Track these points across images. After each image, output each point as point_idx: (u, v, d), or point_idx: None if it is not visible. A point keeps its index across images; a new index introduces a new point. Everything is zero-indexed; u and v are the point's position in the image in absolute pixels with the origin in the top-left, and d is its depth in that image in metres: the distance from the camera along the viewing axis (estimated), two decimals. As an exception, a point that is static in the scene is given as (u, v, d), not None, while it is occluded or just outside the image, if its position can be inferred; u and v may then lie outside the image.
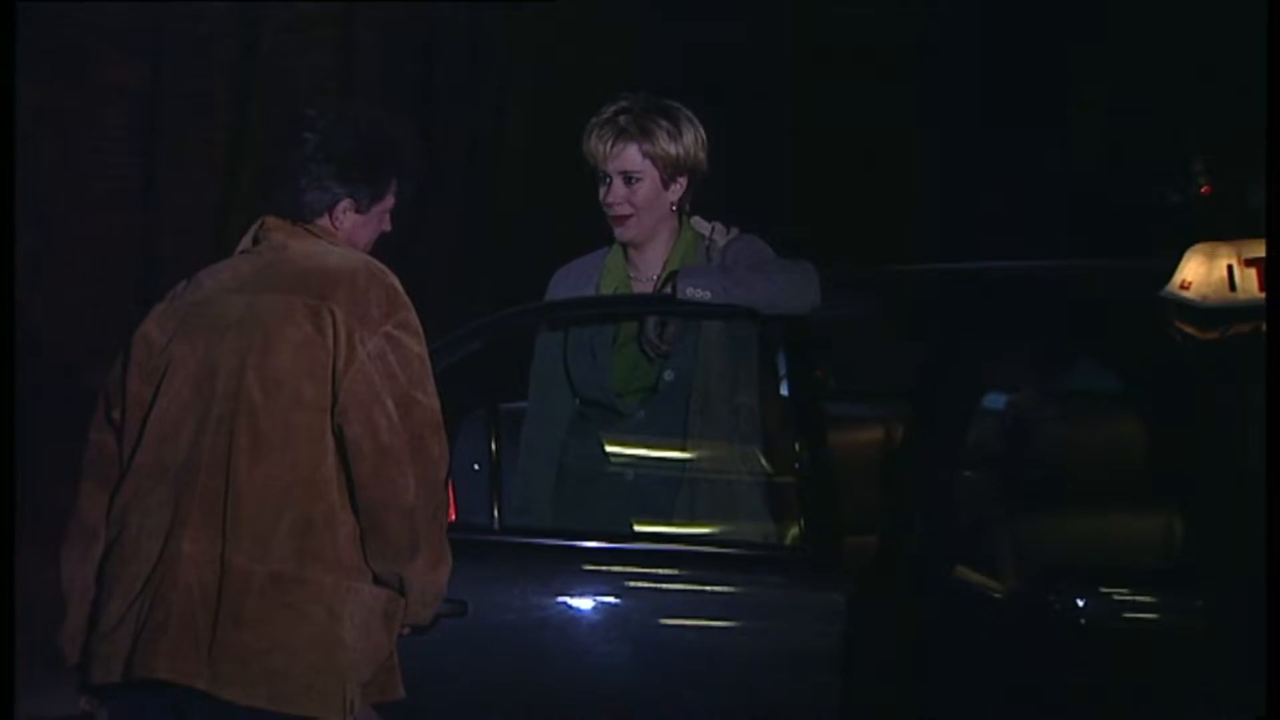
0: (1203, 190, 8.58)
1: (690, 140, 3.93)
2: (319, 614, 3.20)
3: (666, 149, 3.89)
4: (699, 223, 4.03)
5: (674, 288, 3.85)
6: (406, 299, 3.35)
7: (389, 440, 3.23)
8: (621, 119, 3.91)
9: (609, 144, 3.90)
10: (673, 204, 3.96)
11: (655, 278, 3.99)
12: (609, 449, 3.97)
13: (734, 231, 4.03)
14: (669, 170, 3.91)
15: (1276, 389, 3.54)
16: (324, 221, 3.42)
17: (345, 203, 3.42)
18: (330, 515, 3.23)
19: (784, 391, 4.01)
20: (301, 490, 3.22)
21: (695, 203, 4.04)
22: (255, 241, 3.45)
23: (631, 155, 3.89)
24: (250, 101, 8.63)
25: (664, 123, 3.91)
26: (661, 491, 3.94)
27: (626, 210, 3.93)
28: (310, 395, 3.24)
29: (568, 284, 4.05)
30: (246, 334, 3.28)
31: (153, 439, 3.30)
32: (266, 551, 3.19)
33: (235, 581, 3.18)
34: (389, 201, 3.48)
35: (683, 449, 3.94)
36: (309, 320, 3.26)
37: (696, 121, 3.97)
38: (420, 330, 3.35)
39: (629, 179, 3.91)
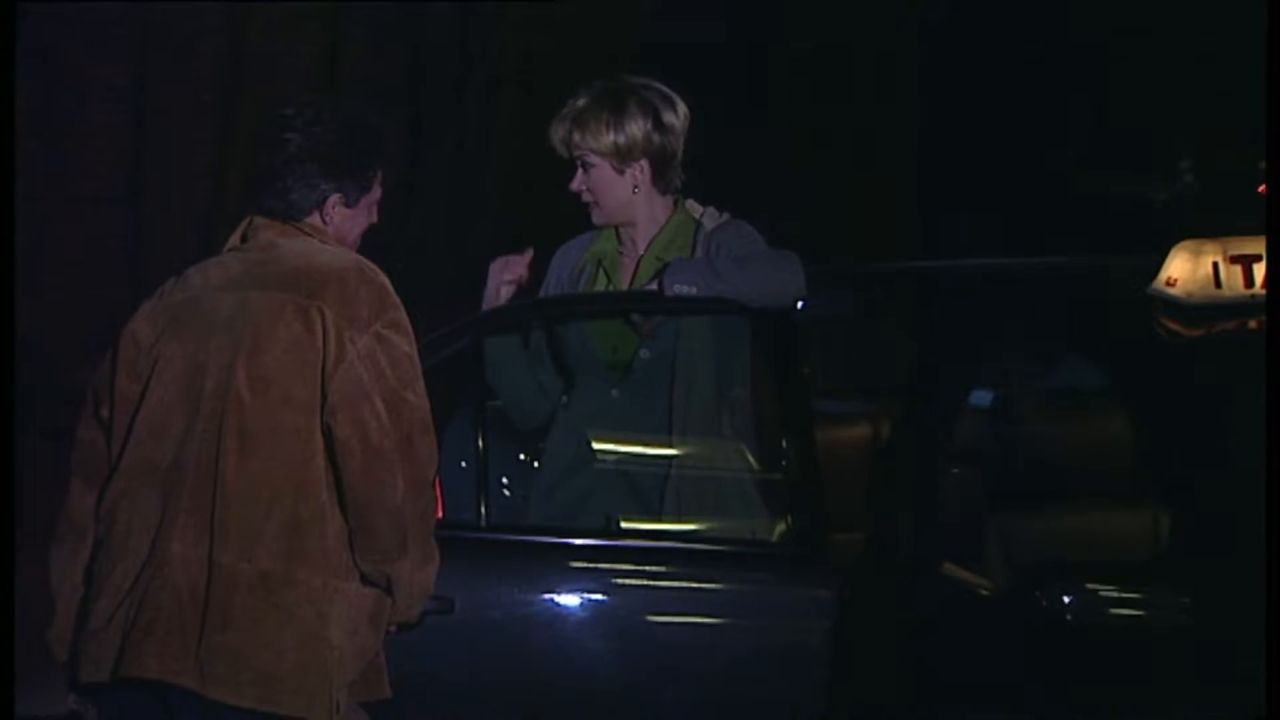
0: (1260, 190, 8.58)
1: (637, 127, 3.94)
2: (307, 615, 3.20)
3: (602, 140, 3.93)
4: (693, 205, 4.05)
5: (660, 285, 3.86)
6: (396, 299, 3.35)
7: (378, 440, 3.23)
8: (568, 110, 3.98)
9: (558, 133, 3.98)
10: (635, 187, 3.98)
11: (641, 254, 4.01)
12: (595, 443, 3.98)
13: (724, 216, 4.04)
14: (616, 159, 3.95)
15: (1277, 389, 3.54)
16: (313, 219, 3.42)
17: (334, 198, 3.42)
18: (318, 515, 3.23)
19: (770, 388, 4.01)
20: (290, 490, 3.22)
21: (687, 185, 4.06)
22: (244, 239, 3.44)
23: (575, 143, 3.96)
24: (237, 100, 8.62)
25: (604, 114, 3.94)
26: (648, 487, 3.94)
27: (586, 197, 4.01)
28: (299, 394, 3.23)
29: (560, 260, 4.12)
30: (235, 332, 3.27)
31: (141, 437, 3.29)
32: (254, 551, 3.19)
33: (223, 581, 3.18)
34: (376, 192, 3.47)
35: (668, 442, 3.94)
36: (298, 319, 3.25)
37: (661, 103, 3.97)
38: (410, 330, 3.34)
39: (584, 166, 3.97)
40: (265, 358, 3.24)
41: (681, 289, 3.82)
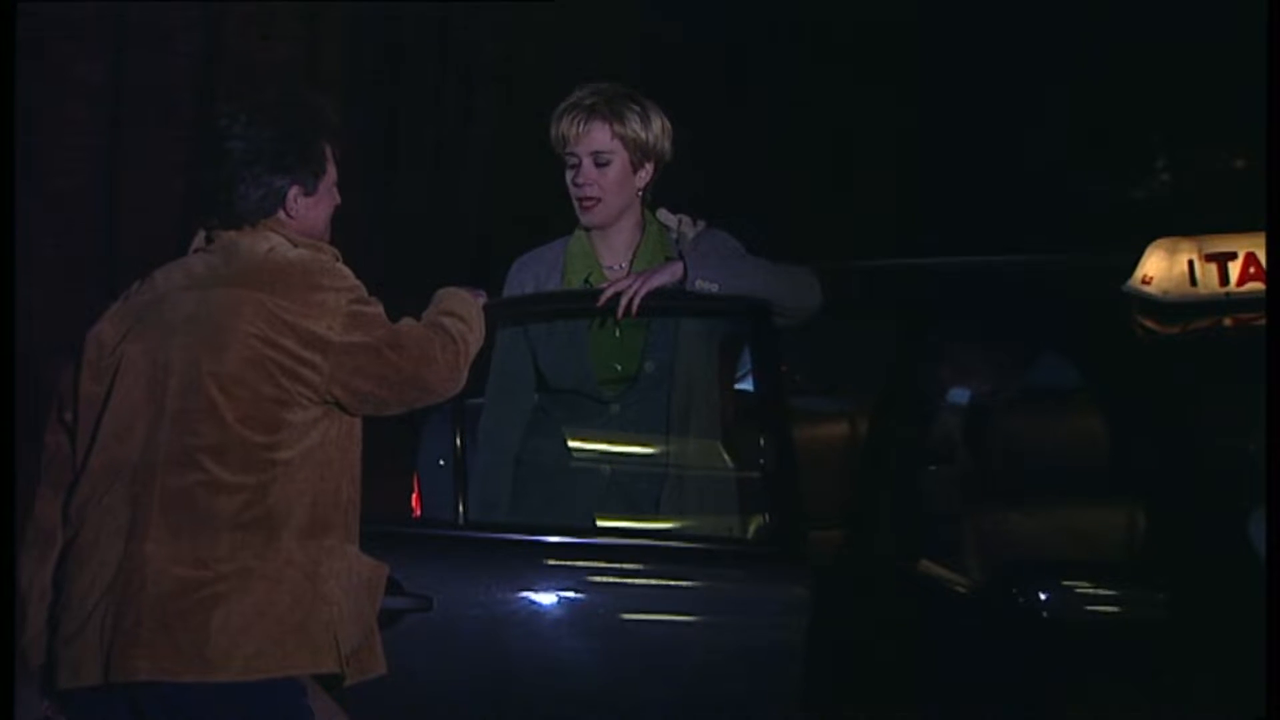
0: None
1: (658, 128, 3.93)
2: (295, 577, 3.22)
3: (637, 132, 3.90)
4: (664, 215, 4.02)
5: (685, 279, 3.81)
6: (358, 283, 3.38)
7: (391, 396, 3.33)
8: (591, 100, 3.91)
9: (580, 124, 3.89)
10: (639, 190, 3.95)
11: (623, 266, 3.97)
12: (588, 444, 3.97)
13: (700, 224, 4.02)
14: (638, 154, 3.91)
15: (1276, 388, 3.54)
16: (278, 217, 3.41)
17: (293, 191, 3.41)
18: (298, 495, 3.24)
19: (749, 386, 4.02)
20: (263, 482, 3.23)
21: (659, 196, 4.05)
22: (209, 240, 3.44)
23: (602, 135, 3.89)
24: (214, 98, 8.59)
25: (635, 107, 3.92)
26: (637, 487, 3.93)
27: (595, 193, 3.91)
28: (268, 390, 3.24)
29: (531, 274, 4.02)
30: (198, 331, 3.27)
31: (106, 439, 3.29)
32: (233, 542, 3.20)
33: (207, 570, 3.19)
34: (332, 172, 3.46)
35: (661, 444, 3.94)
36: (260, 316, 3.25)
37: (662, 112, 3.97)
38: (375, 300, 3.39)
39: (599, 160, 3.90)
40: (229, 354, 3.24)
41: (705, 285, 3.80)
